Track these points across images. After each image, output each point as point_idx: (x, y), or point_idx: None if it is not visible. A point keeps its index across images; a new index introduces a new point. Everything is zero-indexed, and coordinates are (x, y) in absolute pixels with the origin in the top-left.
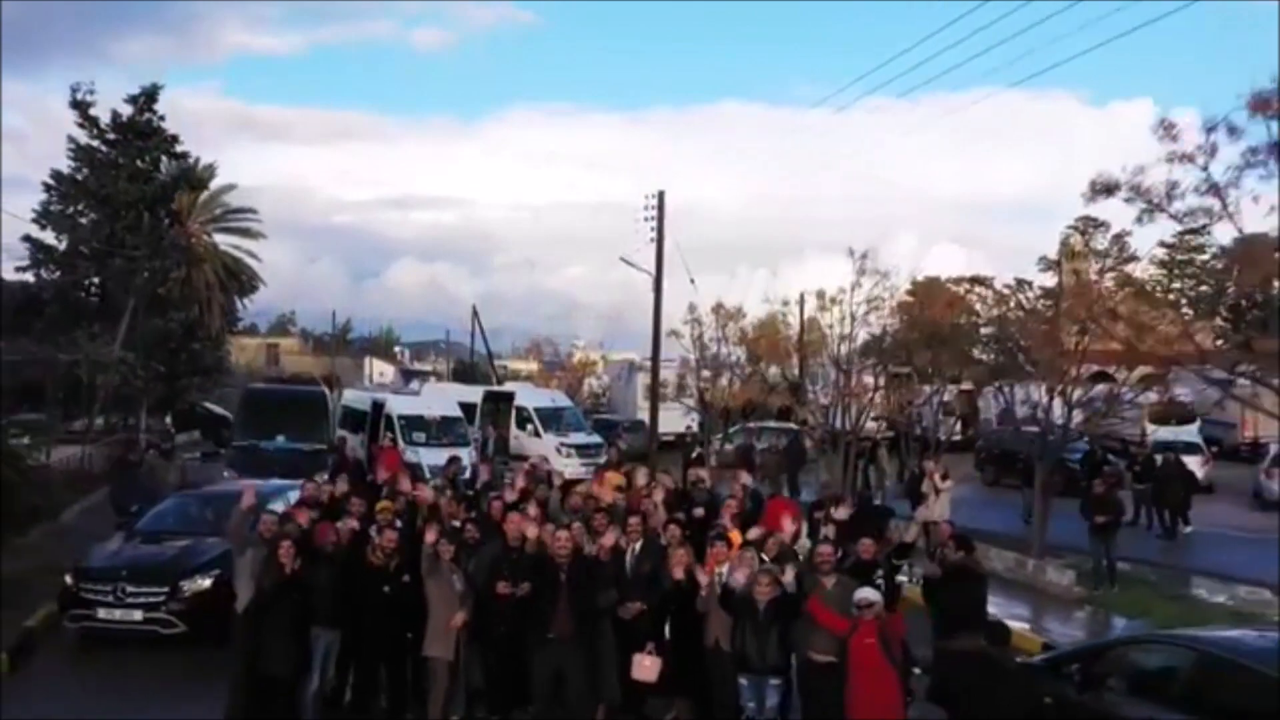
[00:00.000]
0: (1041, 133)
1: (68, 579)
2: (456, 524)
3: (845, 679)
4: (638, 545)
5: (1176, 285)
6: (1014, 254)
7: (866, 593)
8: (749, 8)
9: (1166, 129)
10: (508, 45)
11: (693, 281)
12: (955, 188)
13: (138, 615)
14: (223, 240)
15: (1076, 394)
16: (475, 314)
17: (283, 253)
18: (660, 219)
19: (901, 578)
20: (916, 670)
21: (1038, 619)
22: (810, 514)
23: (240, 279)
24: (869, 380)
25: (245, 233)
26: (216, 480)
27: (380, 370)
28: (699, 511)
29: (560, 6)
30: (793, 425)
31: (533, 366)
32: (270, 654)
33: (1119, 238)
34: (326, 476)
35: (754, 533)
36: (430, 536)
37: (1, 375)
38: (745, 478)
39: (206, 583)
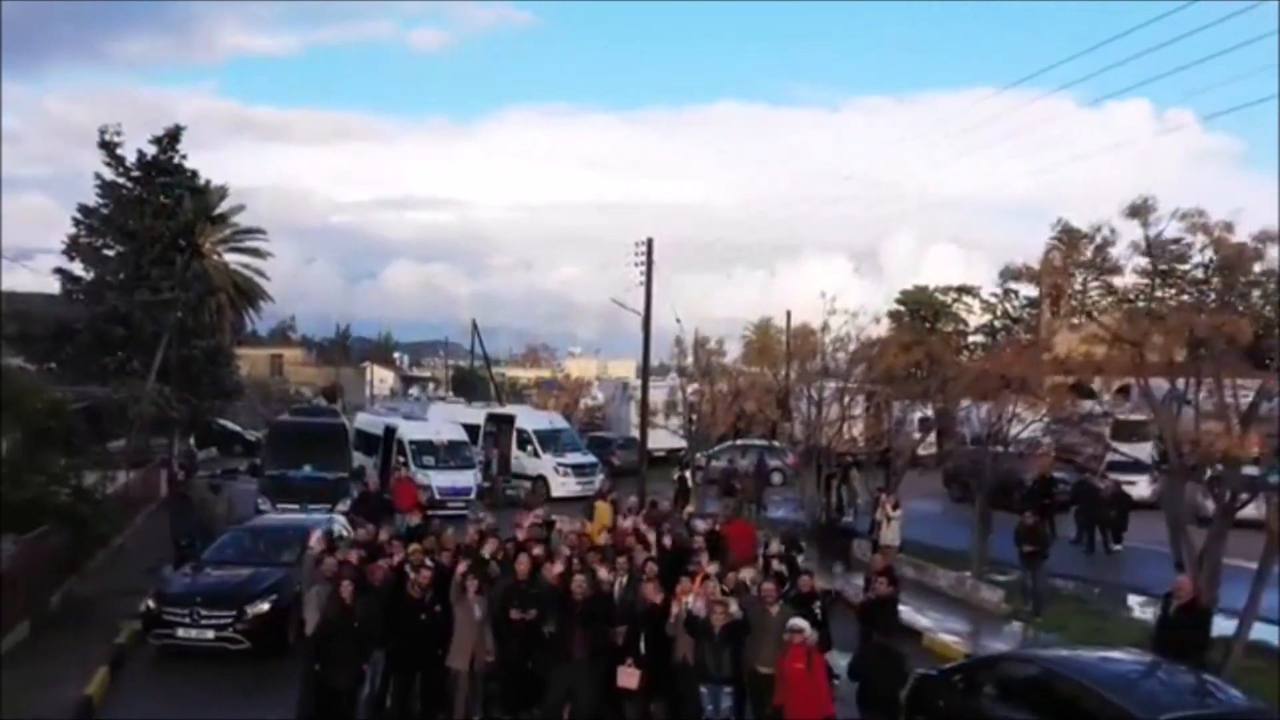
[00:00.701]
0: (1038, 133)
1: (150, 603)
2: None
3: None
4: (624, 579)
5: (1159, 294)
6: (1011, 253)
7: (796, 622)
8: (747, 8)
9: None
10: (506, 46)
11: (679, 320)
12: (953, 188)
13: (210, 634)
14: (232, 259)
15: (1015, 429)
16: (475, 328)
17: (280, 254)
18: (649, 266)
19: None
20: (836, 680)
21: (970, 632)
22: (765, 549)
23: (250, 296)
24: (847, 401)
25: (255, 252)
26: (252, 508)
27: (380, 377)
28: (667, 541)
29: (559, 7)
30: (764, 443)
31: (530, 375)
32: (334, 669)
33: (1101, 249)
34: (349, 504)
35: (714, 568)
36: (461, 568)
37: (63, 412)
38: None
39: (265, 606)
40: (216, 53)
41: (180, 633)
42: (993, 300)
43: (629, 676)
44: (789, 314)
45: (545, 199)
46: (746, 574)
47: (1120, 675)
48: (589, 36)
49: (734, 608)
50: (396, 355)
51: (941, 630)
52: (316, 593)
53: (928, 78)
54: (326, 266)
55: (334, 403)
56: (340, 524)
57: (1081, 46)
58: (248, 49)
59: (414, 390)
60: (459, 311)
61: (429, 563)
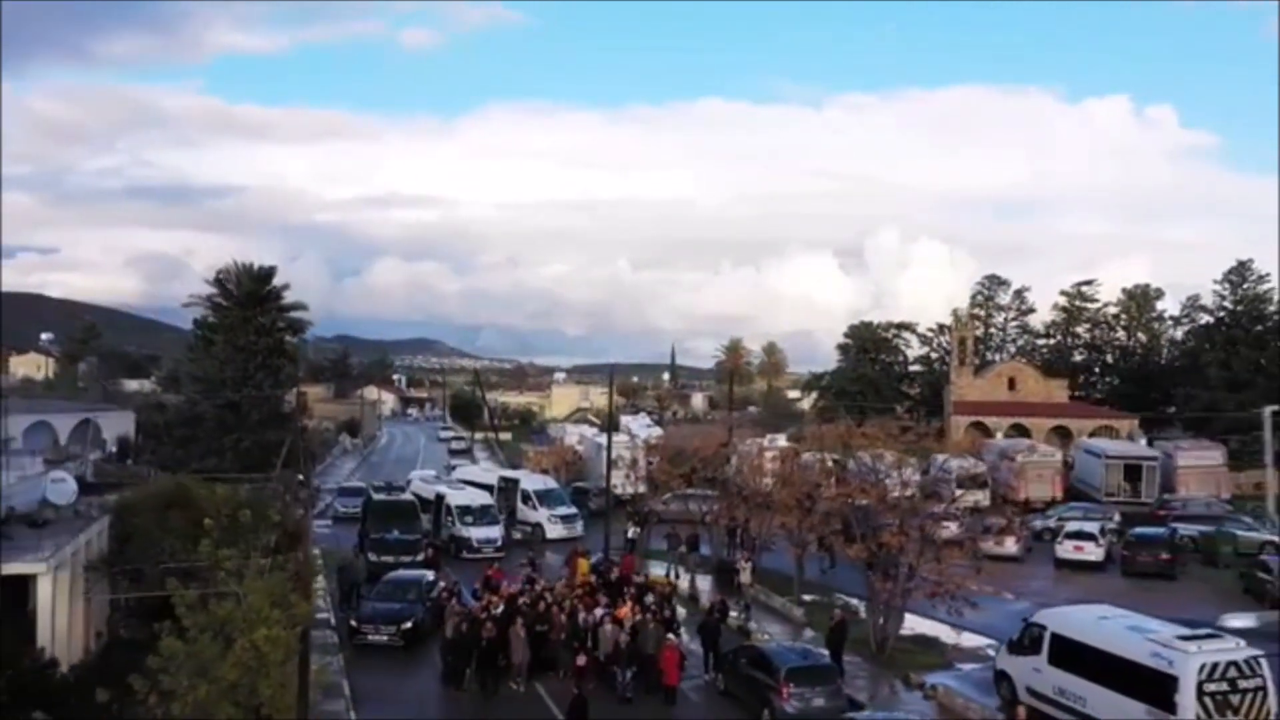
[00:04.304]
0: (1019, 129)
1: (353, 622)
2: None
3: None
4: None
5: (1075, 330)
6: (996, 250)
7: (670, 636)
8: (730, 7)
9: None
10: (496, 44)
11: (633, 435)
12: (937, 183)
13: (385, 638)
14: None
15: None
16: (477, 376)
17: (267, 251)
18: (611, 392)
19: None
20: (686, 660)
21: (784, 635)
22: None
23: (294, 360)
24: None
25: (297, 324)
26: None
27: (382, 398)
28: (614, 575)
29: (547, 6)
30: (702, 493)
31: (520, 400)
32: (457, 659)
33: (1019, 293)
34: (423, 556)
35: (626, 610)
36: (518, 626)
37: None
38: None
39: (410, 624)
40: (204, 51)
41: (370, 636)
42: (930, 335)
43: (581, 660)
44: (731, 374)
45: (532, 196)
46: (648, 615)
47: (780, 652)
48: (575, 35)
49: (623, 637)
50: (395, 377)
51: (763, 633)
52: (449, 624)
53: (910, 75)
54: (313, 264)
55: (356, 436)
56: (430, 576)
57: (1063, 44)
58: (236, 48)
59: (412, 411)
60: (444, 308)
61: (502, 607)
